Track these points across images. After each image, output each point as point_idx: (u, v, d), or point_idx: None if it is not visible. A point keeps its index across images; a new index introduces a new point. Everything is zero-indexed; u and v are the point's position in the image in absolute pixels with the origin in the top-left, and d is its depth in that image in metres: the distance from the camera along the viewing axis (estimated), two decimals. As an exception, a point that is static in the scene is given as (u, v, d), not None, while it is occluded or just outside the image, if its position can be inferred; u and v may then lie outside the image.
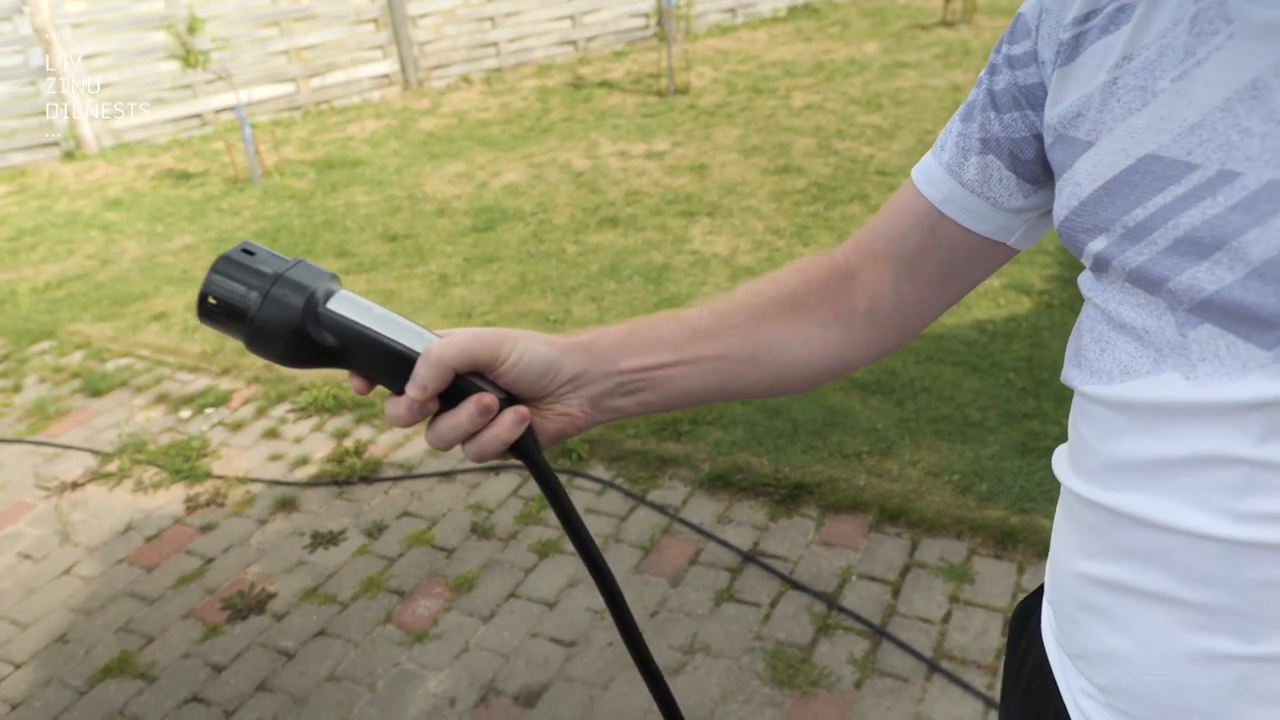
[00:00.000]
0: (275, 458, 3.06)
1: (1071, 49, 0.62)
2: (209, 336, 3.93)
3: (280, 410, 3.33)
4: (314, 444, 3.10)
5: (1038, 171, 0.69)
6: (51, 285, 4.69)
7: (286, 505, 2.81)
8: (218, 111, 7.43)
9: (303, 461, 3.02)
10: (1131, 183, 0.57)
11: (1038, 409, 2.88)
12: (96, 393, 3.58)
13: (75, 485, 3.02)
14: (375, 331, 0.63)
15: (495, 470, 2.87)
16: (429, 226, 4.99)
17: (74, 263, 5.01)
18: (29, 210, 6.10)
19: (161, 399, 3.50)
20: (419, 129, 6.97)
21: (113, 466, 3.09)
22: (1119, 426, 0.61)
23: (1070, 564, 0.68)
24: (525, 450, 0.66)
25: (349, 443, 3.09)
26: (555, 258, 4.42)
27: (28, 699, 2.19)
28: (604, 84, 7.73)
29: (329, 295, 0.64)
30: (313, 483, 2.91)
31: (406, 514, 2.72)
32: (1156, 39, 0.57)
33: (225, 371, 3.64)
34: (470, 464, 2.91)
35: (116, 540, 2.73)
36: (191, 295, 4.37)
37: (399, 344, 0.63)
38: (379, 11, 7.79)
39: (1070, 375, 0.67)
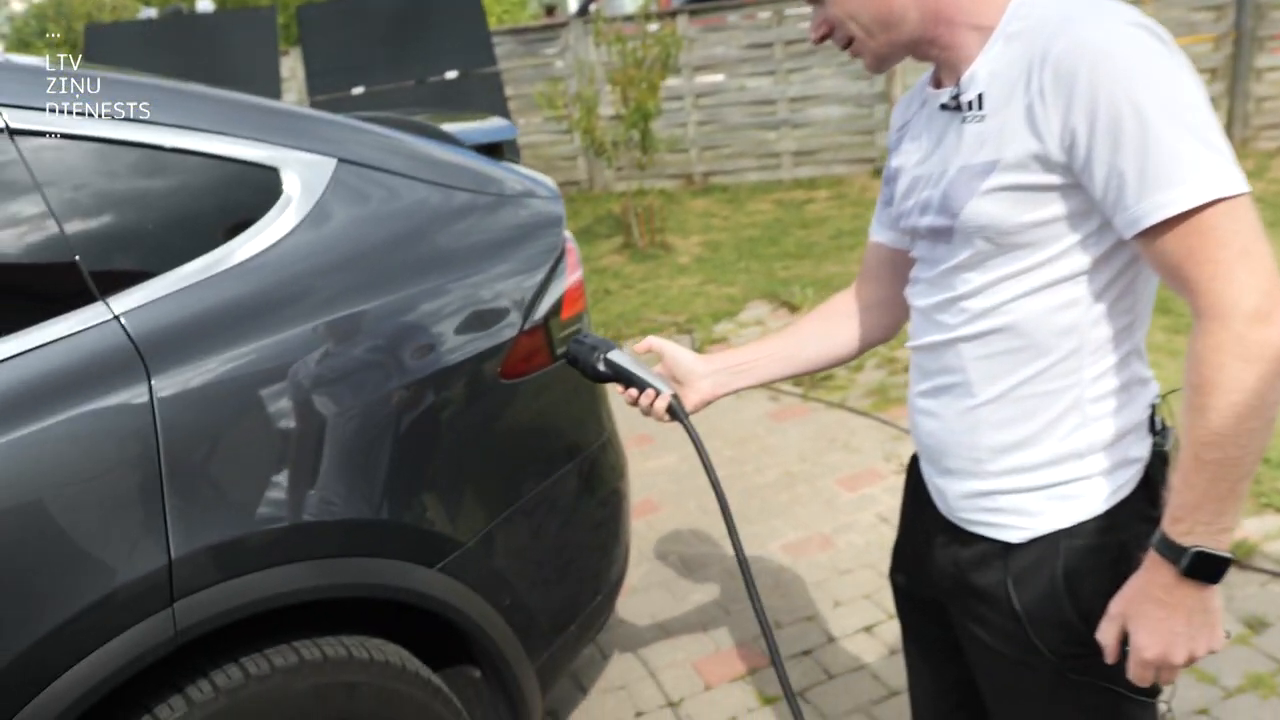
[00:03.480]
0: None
1: (897, 143, 1.27)
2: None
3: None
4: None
5: None
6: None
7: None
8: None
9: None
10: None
11: None
12: (929, 389, 3.86)
13: (921, 469, 3.26)
14: (627, 369, 1.38)
15: None
16: None
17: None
18: (845, 215, 6.92)
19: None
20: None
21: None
22: (918, 294, 1.21)
23: (910, 394, 1.26)
24: (674, 413, 1.35)
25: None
26: None
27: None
28: None
29: (608, 351, 1.40)
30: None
31: (1294, 618, 2.37)
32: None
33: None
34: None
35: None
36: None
37: (639, 377, 1.36)
38: (1219, 61, 7.17)
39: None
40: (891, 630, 2.47)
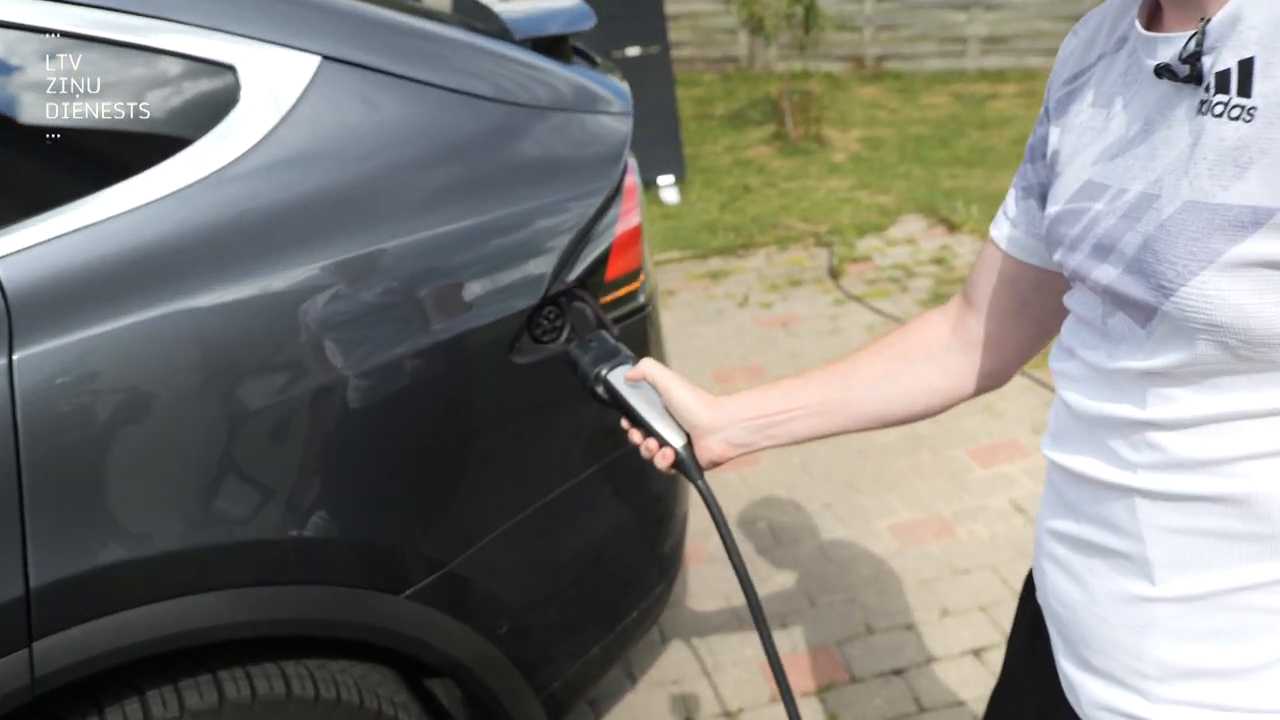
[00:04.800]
0: None
1: (1064, 105, 0.77)
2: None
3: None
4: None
5: None
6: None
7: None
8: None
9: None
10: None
11: None
12: (1101, 346, 3.26)
13: (1076, 450, 2.74)
14: (627, 402, 1.04)
15: None
16: None
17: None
18: (1032, 116, 6.05)
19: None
20: None
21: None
22: (1071, 379, 0.74)
23: (1041, 523, 0.82)
24: (682, 469, 1.01)
25: None
26: None
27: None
28: None
29: (613, 369, 1.06)
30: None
31: None
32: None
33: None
34: None
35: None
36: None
37: (640, 415, 1.02)
38: None
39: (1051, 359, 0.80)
40: (1008, 659, 2.05)
